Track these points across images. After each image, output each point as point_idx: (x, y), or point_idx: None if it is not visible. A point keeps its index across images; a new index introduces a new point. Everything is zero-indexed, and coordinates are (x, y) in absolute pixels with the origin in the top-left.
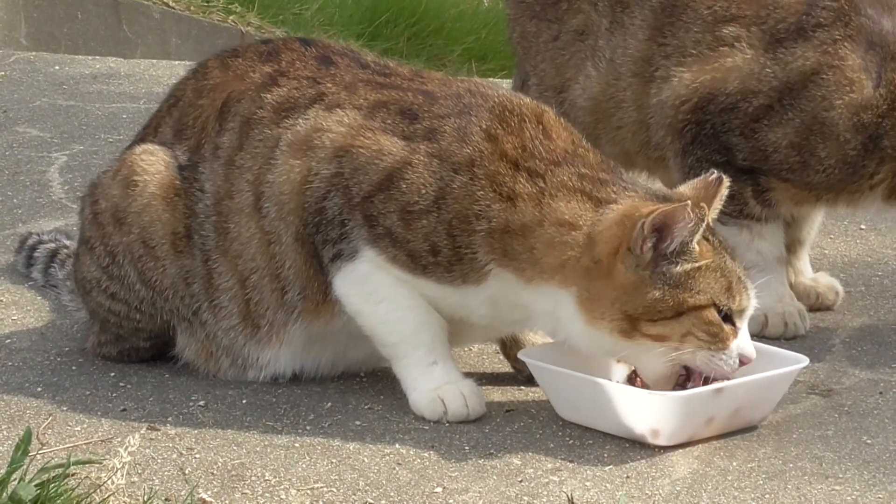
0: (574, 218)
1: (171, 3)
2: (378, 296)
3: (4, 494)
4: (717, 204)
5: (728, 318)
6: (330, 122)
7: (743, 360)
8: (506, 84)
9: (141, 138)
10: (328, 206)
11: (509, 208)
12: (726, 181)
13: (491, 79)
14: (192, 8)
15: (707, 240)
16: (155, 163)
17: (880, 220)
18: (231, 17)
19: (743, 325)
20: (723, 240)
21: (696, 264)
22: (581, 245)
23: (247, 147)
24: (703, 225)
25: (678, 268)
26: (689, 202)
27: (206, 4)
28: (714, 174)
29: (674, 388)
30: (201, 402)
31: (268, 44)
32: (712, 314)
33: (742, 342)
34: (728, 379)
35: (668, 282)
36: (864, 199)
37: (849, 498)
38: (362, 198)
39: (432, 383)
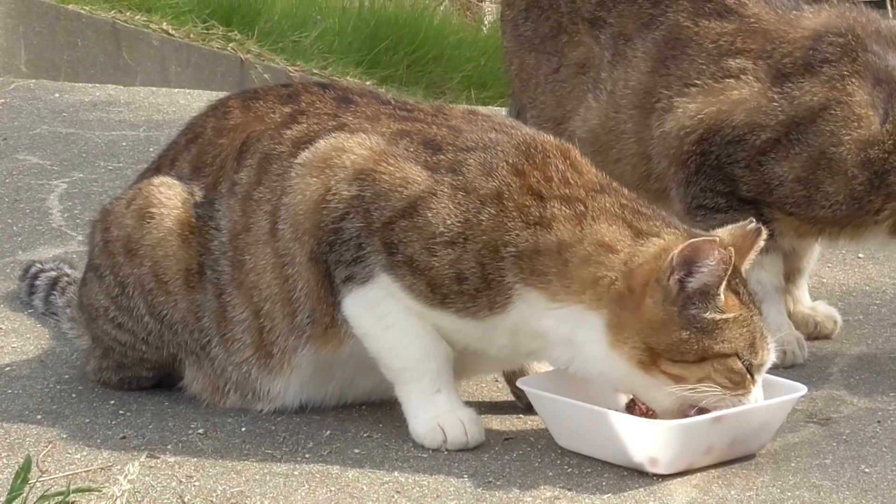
0: (613, 241)
1: (170, 31)
2: (387, 321)
3: None
4: (753, 255)
5: (748, 370)
6: (352, 142)
7: None
8: (503, 112)
9: (156, 168)
10: (345, 226)
11: (541, 231)
12: (764, 233)
13: (490, 106)
14: (191, 35)
15: (736, 292)
16: (173, 197)
17: (879, 249)
18: (230, 45)
19: (759, 379)
20: (752, 293)
21: (724, 316)
22: (617, 269)
23: (265, 181)
24: (729, 268)
25: (707, 314)
26: (717, 238)
27: (205, 32)
28: (752, 223)
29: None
30: (200, 430)
31: (287, 87)
32: (736, 363)
33: (756, 395)
34: None
35: (696, 325)
36: (867, 233)
37: None
38: (383, 223)
39: (434, 411)
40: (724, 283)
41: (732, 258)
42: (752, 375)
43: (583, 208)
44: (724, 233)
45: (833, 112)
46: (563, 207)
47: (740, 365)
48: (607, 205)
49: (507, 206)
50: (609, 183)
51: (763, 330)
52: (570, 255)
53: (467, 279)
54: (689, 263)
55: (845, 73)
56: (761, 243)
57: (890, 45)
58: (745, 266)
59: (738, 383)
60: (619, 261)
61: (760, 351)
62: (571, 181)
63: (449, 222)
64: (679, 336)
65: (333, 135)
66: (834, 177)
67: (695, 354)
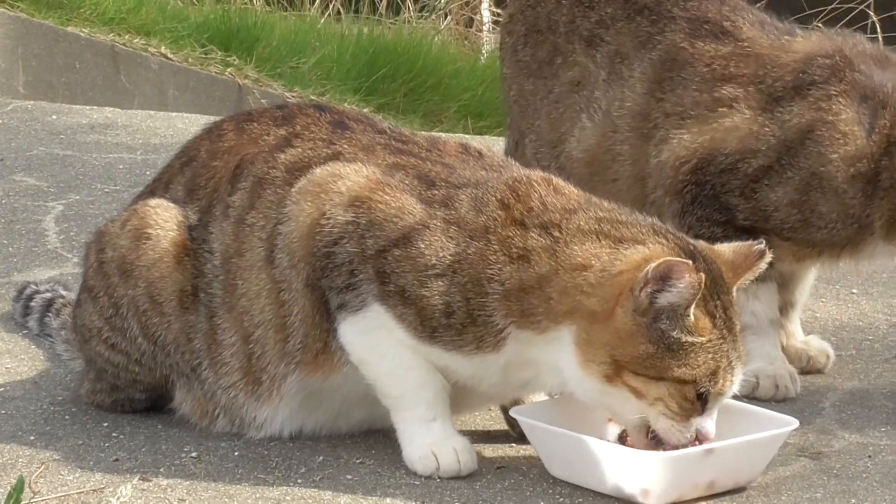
0: (587, 258)
1: (168, 55)
2: (380, 350)
3: None
4: (751, 276)
5: (703, 396)
6: (348, 169)
7: (700, 438)
8: (500, 142)
9: (150, 191)
10: (338, 251)
11: (523, 267)
12: (768, 256)
13: (486, 136)
14: (189, 59)
15: (711, 315)
16: (169, 219)
17: (872, 283)
18: (228, 70)
19: (714, 407)
20: (732, 315)
21: (692, 339)
22: (592, 284)
23: (258, 206)
24: (698, 293)
25: (674, 333)
26: (690, 262)
27: (203, 56)
28: (761, 244)
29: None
30: (193, 454)
31: (283, 109)
32: (689, 391)
33: (706, 421)
34: (679, 447)
35: (663, 342)
36: (866, 246)
37: None
38: (376, 251)
39: (428, 438)
40: (695, 305)
41: (702, 284)
42: (704, 404)
43: (558, 233)
44: (726, 248)
45: (819, 132)
46: (541, 237)
47: (693, 394)
48: (581, 222)
49: (491, 241)
50: (587, 199)
51: (733, 359)
52: (551, 289)
53: (455, 313)
54: (662, 279)
55: (833, 93)
56: (763, 266)
57: (876, 63)
58: (739, 284)
59: (684, 411)
60: (595, 273)
61: (722, 380)
62: (550, 206)
63: (441, 254)
64: (645, 348)
65: (329, 163)
66: (826, 196)
67: (656, 371)
